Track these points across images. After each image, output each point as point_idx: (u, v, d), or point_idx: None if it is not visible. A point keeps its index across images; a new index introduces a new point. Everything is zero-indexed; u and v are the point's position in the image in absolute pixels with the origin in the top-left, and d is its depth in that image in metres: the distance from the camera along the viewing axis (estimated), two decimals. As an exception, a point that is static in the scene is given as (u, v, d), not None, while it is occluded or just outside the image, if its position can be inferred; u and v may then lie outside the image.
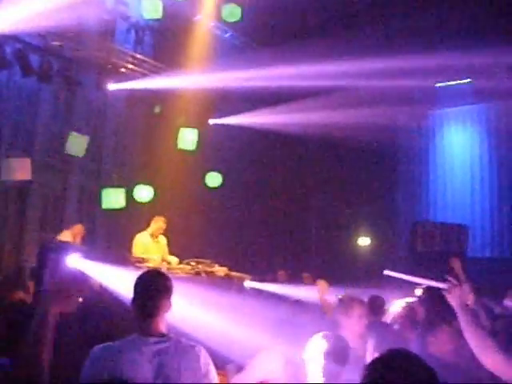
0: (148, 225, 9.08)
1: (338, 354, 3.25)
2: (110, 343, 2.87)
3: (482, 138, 14.93)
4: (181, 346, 2.89)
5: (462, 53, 12.43)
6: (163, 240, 9.07)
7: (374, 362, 1.97)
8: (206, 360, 2.93)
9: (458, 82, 13.13)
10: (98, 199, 12.11)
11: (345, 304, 4.37)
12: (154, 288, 2.95)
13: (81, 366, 2.83)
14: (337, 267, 12.11)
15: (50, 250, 6.38)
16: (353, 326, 4.24)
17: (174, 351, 2.83)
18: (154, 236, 8.95)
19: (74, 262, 5.86)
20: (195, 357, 2.88)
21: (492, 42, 12.31)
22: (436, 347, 4.08)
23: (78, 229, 9.62)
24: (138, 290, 2.96)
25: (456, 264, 6.45)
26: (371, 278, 9.52)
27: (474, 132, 15.07)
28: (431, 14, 12.47)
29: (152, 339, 2.84)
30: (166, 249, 9.02)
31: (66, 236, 9.31)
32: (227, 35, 13.29)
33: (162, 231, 9.05)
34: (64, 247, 6.74)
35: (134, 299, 2.95)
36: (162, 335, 2.89)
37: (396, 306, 5.50)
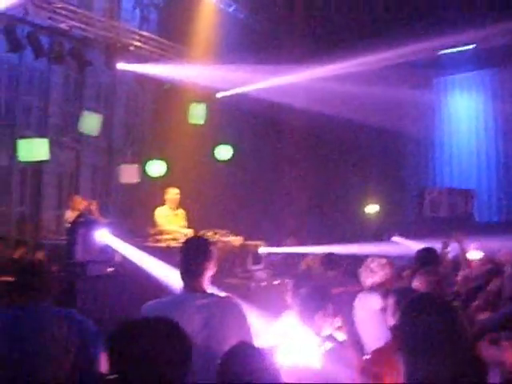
0: (164, 199, 9.18)
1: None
2: (160, 299, 3.19)
3: (486, 104, 14.97)
4: (224, 301, 3.20)
5: (466, 18, 12.53)
6: (182, 213, 9.15)
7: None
8: (245, 315, 3.19)
9: (461, 48, 13.13)
10: (110, 176, 12.41)
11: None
12: (199, 251, 3.24)
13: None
14: (347, 232, 12.26)
15: (81, 225, 6.67)
16: None
17: (219, 305, 3.12)
18: (172, 208, 9.07)
19: (103, 236, 6.19)
20: (237, 311, 3.15)
21: (495, 7, 12.41)
22: None
23: (78, 201, 9.46)
24: (185, 253, 3.26)
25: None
26: (380, 243, 9.81)
27: (478, 98, 15.10)
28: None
29: (199, 294, 3.13)
30: (184, 222, 9.11)
31: (70, 213, 9.22)
32: (231, 9, 13.38)
33: (177, 202, 9.09)
34: (94, 222, 7.04)
35: (182, 261, 3.23)
36: (207, 292, 3.19)
37: None
